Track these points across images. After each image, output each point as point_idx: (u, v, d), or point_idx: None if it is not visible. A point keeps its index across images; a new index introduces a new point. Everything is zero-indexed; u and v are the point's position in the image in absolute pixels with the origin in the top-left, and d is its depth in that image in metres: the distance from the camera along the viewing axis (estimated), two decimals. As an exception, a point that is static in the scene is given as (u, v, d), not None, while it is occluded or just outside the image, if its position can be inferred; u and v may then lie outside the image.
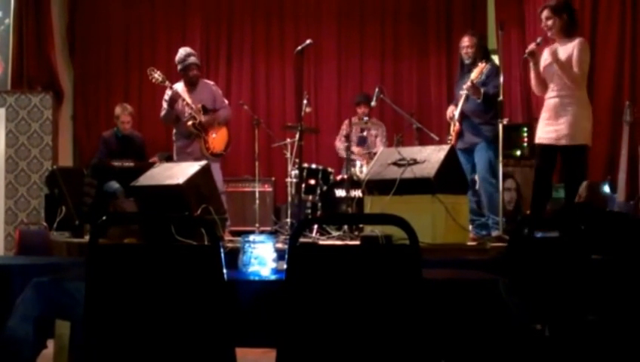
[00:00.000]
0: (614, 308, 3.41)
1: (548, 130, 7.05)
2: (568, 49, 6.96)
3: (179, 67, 8.66)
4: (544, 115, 7.14)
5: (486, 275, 3.48)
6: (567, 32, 7.01)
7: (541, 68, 7.09)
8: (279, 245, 3.90)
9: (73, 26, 11.79)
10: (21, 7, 10.93)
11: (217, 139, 8.57)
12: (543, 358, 3.35)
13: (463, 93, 7.77)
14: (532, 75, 7.24)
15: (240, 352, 2.77)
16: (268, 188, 10.70)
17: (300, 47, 7.87)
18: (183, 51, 8.77)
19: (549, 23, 7.05)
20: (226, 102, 8.97)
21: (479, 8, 11.77)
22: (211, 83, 9.03)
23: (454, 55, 11.65)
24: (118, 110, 9.68)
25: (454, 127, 7.93)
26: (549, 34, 7.18)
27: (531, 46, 7.12)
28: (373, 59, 12.02)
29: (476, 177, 7.86)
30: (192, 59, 8.68)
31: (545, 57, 7.14)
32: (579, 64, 6.89)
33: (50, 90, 10.82)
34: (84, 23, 11.81)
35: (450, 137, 7.99)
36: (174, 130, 8.78)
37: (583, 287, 3.82)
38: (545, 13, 7.09)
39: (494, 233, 7.40)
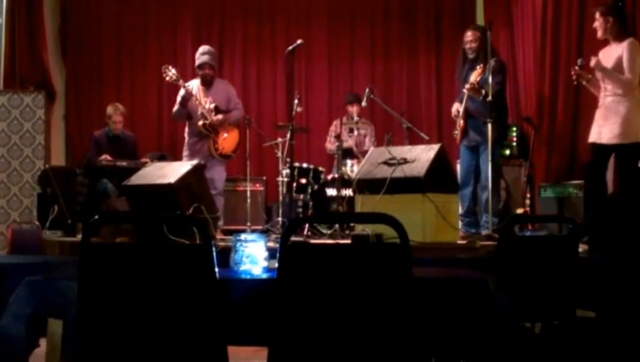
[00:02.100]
0: (608, 305, 3.45)
1: (600, 130, 7.06)
2: (617, 52, 6.97)
3: (198, 60, 8.74)
4: (598, 115, 7.15)
5: (476, 274, 3.50)
6: (617, 35, 7.03)
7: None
8: (270, 244, 3.91)
9: (65, 26, 11.77)
10: (13, 6, 10.91)
11: (227, 140, 8.61)
12: (533, 356, 3.38)
13: (466, 92, 7.77)
14: (590, 87, 7.30)
15: (232, 350, 2.78)
16: (259, 188, 10.73)
17: (290, 48, 7.89)
18: (200, 49, 8.85)
19: (596, 24, 7.11)
20: (240, 102, 9.01)
21: (468, 9, 11.83)
22: (227, 82, 9.07)
23: (444, 55, 11.73)
24: (110, 110, 9.67)
25: (459, 124, 7.94)
26: (598, 35, 7.20)
27: (575, 71, 7.14)
28: (363, 60, 12.07)
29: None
30: (205, 57, 8.72)
31: (602, 58, 7.13)
32: (630, 69, 6.87)
33: (42, 90, 10.81)
34: (76, 23, 11.79)
35: (456, 132, 8.00)
36: (186, 128, 8.82)
37: (572, 285, 3.86)
38: (595, 15, 7.15)
39: (484, 232, 7.43)
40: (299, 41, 7.91)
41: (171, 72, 8.49)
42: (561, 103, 9.56)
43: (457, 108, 8.02)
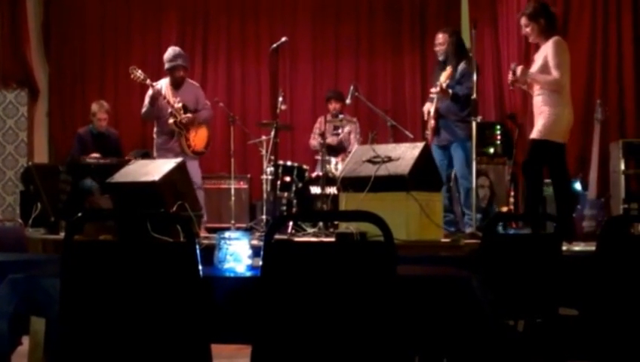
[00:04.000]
0: (591, 303, 3.45)
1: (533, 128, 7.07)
2: (543, 52, 6.92)
3: (166, 65, 8.70)
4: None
5: (459, 272, 3.51)
6: (547, 35, 6.99)
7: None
8: (255, 242, 3.92)
9: (48, 23, 11.74)
10: (-4, 3, 10.89)
11: (198, 137, 8.62)
12: (515, 354, 3.39)
13: (436, 92, 7.81)
14: (529, 91, 7.24)
15: (215, 348, 2.78)
16: (243, 185, 10.72)
17: (275, 45, 7.89)
18: (172, 51, 8.79)
19: (528, 29, 7.00)
20: (209, 103, 9.02)
21: (453, 7, 11.84)
22: (196, 84, 9.05)
23: (428, 53, 11.73)
24: (94, 107, 9.65)
25: (431, 125, 7.98)
26: (529, 39, 7.18)
27: (510, 77, 7.04)
28: (348, 57, 12.07)
29: (453, 174, 7.91)
30: (181, 61, 8.73)
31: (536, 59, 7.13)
32: (557, 66, 6.83)
33: (25, 87, 10.80)
34: (60, 20, 11.77)
35: (427, 132, 8.04)
36: (155, 128, 8.80)
37: (555, 283, 3.87)
38: (522, 21, 7.03)
39: (468, 229, 7.46)
40: (283, 39, 7.92)
41: (138, 72, 8.55)
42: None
43: (428, 108, 8.07)
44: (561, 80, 6.83)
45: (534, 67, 6.95)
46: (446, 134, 7.90)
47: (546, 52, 6.87)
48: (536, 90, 6.97)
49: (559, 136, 6.95)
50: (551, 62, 6.80)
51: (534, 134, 6.92)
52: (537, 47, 7.21)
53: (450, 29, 8.37)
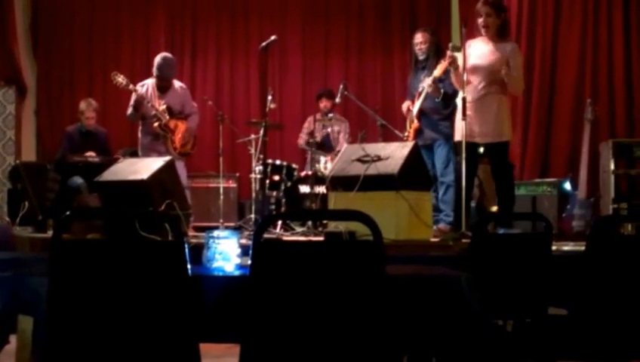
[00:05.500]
0: (580, 303, 3.46)
1: (471, 128, 6.98)
2: (499, 52, 6.94)
3: (155, 72, 8.60)
4: (468, 113, 6.87)
5: (449, 271, 3.50)
6: (502, 33, 6.99)
7: (468, 64, 6.92)
8: (243, 241, 3.90)
9: (37, 20, 11.71)
10: (-17, 1, 10.85)
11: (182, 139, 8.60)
12: (504, 354, 3.38)
13: (423, 90, 7.78)
14: (454, 77, 7.15)
15: (204, 348, 2.77)
16: (232, 184, 10.71)
17: (264, 44, 7.86)
18: (162, 61, 8.62)
19: (489, 20, 6.95)
20: (196, 106, 8.96)
21: (443, 5, 11.84)
22: (184, 86, 8.97)
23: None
24: (82, 105, 9.62)
25: (412, 124, 7.96)
26: (483, 32, 7.05)
27: (449, 54, 7.03)
28: (337, 56, 12.07)
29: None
30: (171, 72, 8.65)
31: (474, 52, 7.06)
32: (519, 71, 6.93)
33: (12, 85, 10.78)
34: (48, 17, 11.73)
35: (406, 134, 8.02)
36: (140, 127, 8.75)
37: (545, 283, 3.87)
38: (485, 9, 6.97)
39: (440, 225, 7.47)
40: (272, 37, 7.89)
41: (120, 78, 8.46)
42: (535, 102, 9.63)
43: (409, 106, 8.02)
44: (521, 81, 6.98)
45: (484, 62, 6.95)
46: (430, 133, 7.90)
47: (502, 53, 6.92)
48: (482, 89, 6.95)
49: (510, 136, 7.15)
50: (517, 68, 6.86)
51: (495, 137, 6.94)
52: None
53: (429, 29, 8.38)
